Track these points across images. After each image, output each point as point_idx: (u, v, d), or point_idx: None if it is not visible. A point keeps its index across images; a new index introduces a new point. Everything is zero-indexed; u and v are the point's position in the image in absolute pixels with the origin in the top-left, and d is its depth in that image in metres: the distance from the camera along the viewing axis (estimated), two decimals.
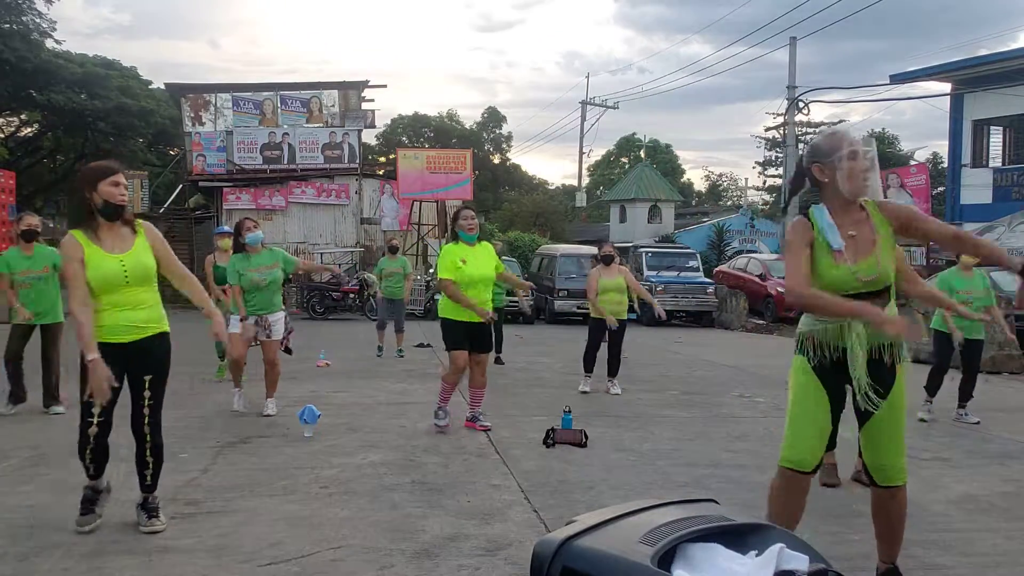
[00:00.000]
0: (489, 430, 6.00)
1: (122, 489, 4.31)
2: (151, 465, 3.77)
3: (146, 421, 3.73)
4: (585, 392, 7.96)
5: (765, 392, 8.46)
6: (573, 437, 5.62)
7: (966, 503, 4.48)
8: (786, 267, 3.02)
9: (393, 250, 11.40)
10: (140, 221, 3.79)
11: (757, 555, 1.68)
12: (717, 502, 2.02)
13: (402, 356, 10.63)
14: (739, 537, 1.75)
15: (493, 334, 6.18)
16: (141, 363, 3.70)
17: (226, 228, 8.68)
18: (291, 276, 19.96)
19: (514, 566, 3.35)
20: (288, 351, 6.97)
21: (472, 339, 5.93)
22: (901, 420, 3.01)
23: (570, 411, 6.00)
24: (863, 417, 3.00)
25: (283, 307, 6.68)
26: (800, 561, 1.66)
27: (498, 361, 10.26)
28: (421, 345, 11.79)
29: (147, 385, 3.71)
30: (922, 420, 6.76)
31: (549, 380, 8.93)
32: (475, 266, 5.83)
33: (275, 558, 3.39)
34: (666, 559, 1.63)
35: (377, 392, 7.74)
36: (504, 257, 22.05)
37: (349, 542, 3.60)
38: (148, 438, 3.74)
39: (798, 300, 2.93)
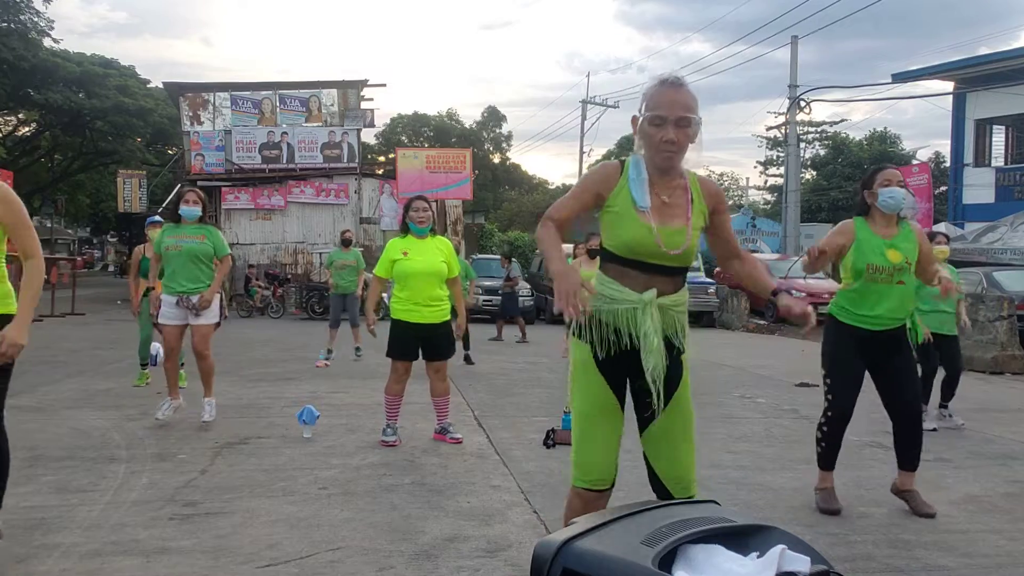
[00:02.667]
0: (460, 442, 5.59)
1: (121, 490, 4.30)
2: None
3: None
4: None
5: (766, 392, 8.45)
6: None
7: (968, 504, 4.46)
8: (562, 199, 2.62)
9: (347, 243, 10.93)
10: None
11: (758, 556, 1.67)
12: (718, 503, 2.00)
13: (359, 355, 10.32)
14: (740, 538, 1.74)
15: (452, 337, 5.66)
16: None
17: (158, 218, 7.76)
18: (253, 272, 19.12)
19: (514, 567, 3.34)
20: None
21: (424, 344, 5.50)
22: (692, 420, 2.65)
23: (570, 411, 5.97)
24: (646, 420, 2.62)
25: (217, 290, 5.99)
26: (801, 562, 1.64)
27: (467, 361, 10.19)
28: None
29: None
30: (933, 430, 6.59)
31: (549, 380, 8.92)
32: (419, 259, 5.41)
33: (274, 559, 3.37)
34: (667, 560, 1.62)
35: (376, 392, 7.70)
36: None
37: (348, 543, 3.58)
38: None
39: (540, 227, 2.56)
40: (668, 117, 2.45)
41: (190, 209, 5.90)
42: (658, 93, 2.49)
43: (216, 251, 5.94)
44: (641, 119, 2.52)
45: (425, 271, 5.42)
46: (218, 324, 6.09)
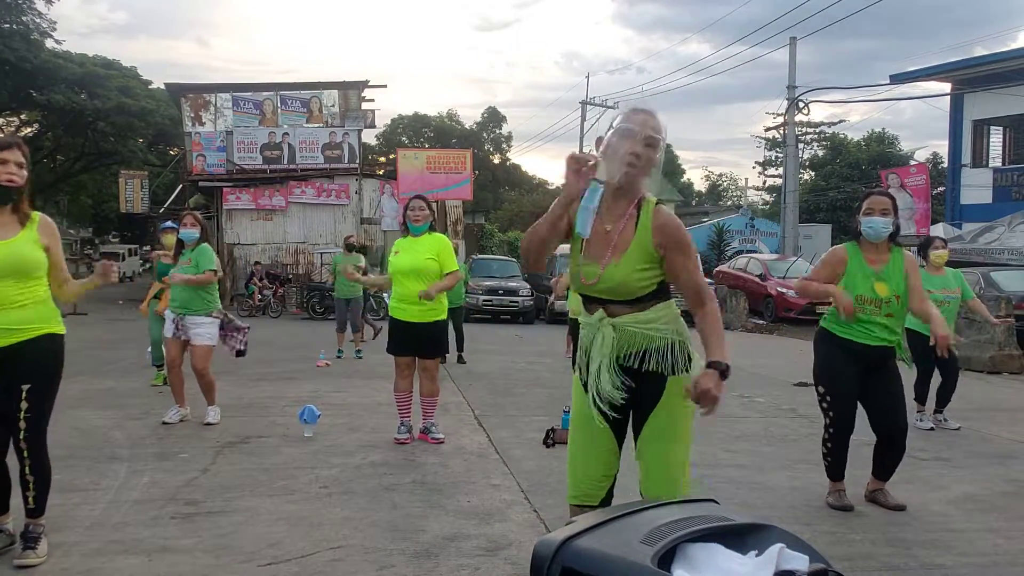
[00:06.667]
0: (442, 442, 5.58)
1: (122, 489, 4.32)
2: (32, 485, 3.28)
3: (22, 436, 3.23)
4: None
5: (765, 392, 8.47)
6: None
7: (966, 503, 4.48)
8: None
9: (350, 248, 11.30)
10: (37, 214, 3.38)
11: (757, 555, 1.68)
12: (717, 502, 2.02)
13: (360, 358, 10.45)
14: (739, 537, 1.75)
15: (452, 336, 5.74)
16: (15, 370, 3.23)
17: (171, 224, 7.76)
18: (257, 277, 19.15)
19: (514, 566, 3.35)
20: (240, 353, 6.52)
21: (416, 343, 5.52)
22: (673, 439, 2.55)
23: (570, 411, 5.98)
24: (635, 434, 2.61)
25: (214, 313, 6.16)
26: (800, 561, 1.66)
27: (460, 360, 10.25)
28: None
29: (24, 395, 3.22)
30: (931, 429, 6.58)
31: (549, 380, 8.93)
32: (404, 257, 5.41)
33: (275, 558, 3.39)
34: (666, 559, 1.63)
35: (377, 392, 7.73)
36: (504, 257, 22.18)
37: (349, 542, 3.60)
38: (26, 454, 3.26)
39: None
40: (638, 132, 2.40)
41: (188, 232, 6.24)
42: (630, 115, 2.45)
43: (198, 269, 6.12)
44: (608, 134, 2.46)
45: (406, 268, 5.39)
46: (237, 343, 6.47)
